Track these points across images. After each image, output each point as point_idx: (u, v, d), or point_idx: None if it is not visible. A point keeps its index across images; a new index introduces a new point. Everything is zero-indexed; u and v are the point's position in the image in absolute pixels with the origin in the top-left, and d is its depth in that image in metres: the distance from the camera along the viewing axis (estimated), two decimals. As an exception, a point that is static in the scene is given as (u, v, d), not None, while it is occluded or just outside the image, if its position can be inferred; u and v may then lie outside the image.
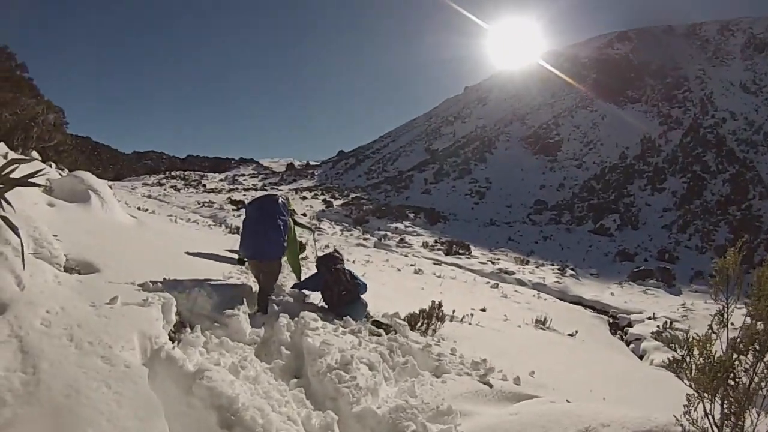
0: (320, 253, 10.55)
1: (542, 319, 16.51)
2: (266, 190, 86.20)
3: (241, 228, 9.48)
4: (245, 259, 9.79)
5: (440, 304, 10.03)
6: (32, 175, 5.21)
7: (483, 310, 16.48)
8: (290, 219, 9.41)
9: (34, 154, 16.72)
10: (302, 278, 10.15)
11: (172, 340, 5.74)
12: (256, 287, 9.02)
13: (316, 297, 9.74)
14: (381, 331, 8.37)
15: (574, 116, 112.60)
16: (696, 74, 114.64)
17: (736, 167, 77.68)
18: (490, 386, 6.67)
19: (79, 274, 6.63)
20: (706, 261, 50.10)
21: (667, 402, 9.86)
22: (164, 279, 7.38)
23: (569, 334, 16.18)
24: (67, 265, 6.70)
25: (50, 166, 14.52)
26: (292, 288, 9.80)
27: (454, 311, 11.87)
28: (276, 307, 8.58)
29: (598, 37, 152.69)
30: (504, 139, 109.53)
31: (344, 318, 8.47)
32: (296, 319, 7.62)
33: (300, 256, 10.62)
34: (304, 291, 9.79)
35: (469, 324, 11.95)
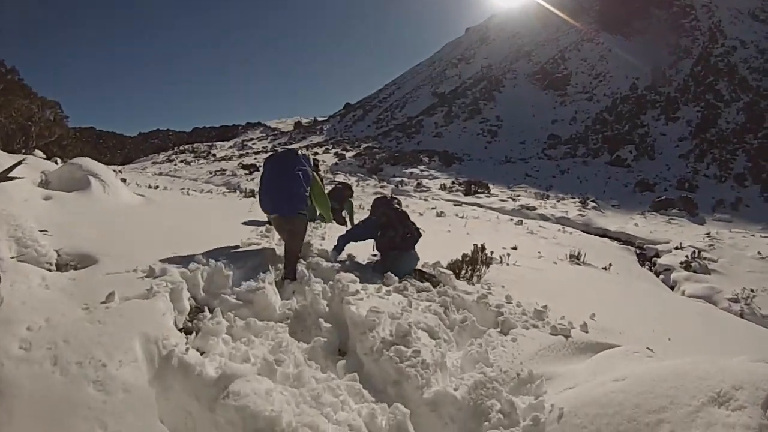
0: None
1: (576, 254, 16.28)
2: (277, 150, 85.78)
3: (258, 184, 8.76)
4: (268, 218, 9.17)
5: (483, 247, 9.46)
6: (9, 170, 4.93)
7: (514, 248, 16.11)
8: (314, 171, 8.75)
9: (38, 152, 16.56)
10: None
11: (188, 331, 5.14)
12: (281, 250, 8.43)
13: (355, 253, 9.19)
14: (428, 284, 7.63)
15: (580, 50, 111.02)
16: (702, 3, 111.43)
17: (750, 95, 76.31)
18: (566, 337, 6.00)
19: (75, 269, 5.89)
20: (727, 189, 49.78)
21: (729, 337, 9.78)
22: (172, 258, 6.65)
23: (603, 268, 16.00)
24: (60, 261, 6.03)
25: (56, 162, 14.13)
26: (340, 238, 9.03)
27: (491, 252, 11.47)
28: (306, 271, 7.69)
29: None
30: (511, 76, 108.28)
31: (385, 275, 7.76)
32: (332, 283, 6.85)
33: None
34: (348, 243, 9.03)
35: (507, 264, 11.68)
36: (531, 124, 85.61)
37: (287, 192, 7.96)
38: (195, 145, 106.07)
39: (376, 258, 9.10)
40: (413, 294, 7.12)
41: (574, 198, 42.71)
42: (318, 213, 10.13)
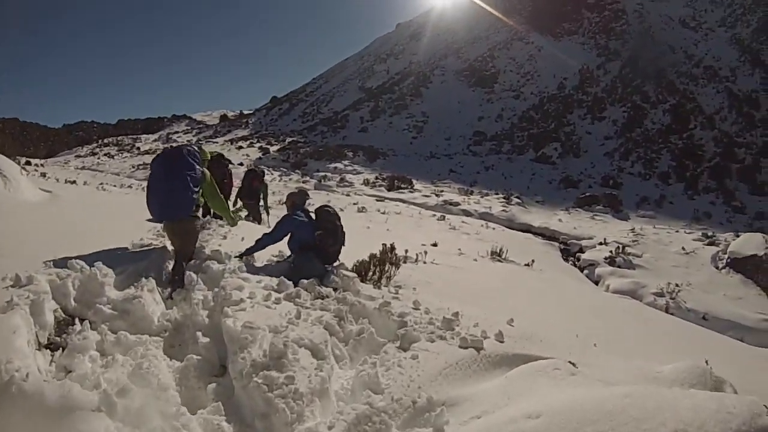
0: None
1: (498, 251, 16.24)
2: (201, 143, 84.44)
3: (146, 188, 7.99)
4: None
5: (393, 247, 9.15)
6: None
7: (434, 245, 16.41)
8: (205, 169, 8.21)
9: None
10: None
11: (54, 348, 4.70)
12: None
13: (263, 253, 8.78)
14: (329, 289, 7.15)
15: (509, 49, 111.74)
16: (634, 8, 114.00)
17: (676, 98, 78.36)
18: (477, 350, 5.28)
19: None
20: (650, 187, 51.17)
21: (658, 336, 9.19)
22: (48, 263, 6.11)
23: (526, 264, 15.97)
24: None
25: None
26: (264, 237, 8.57)
27: (406, 251, 11.11)
28: (194, 276, 6.99)
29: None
30: (439, 73, 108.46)
31: (280, 279, 7.16)
32: (216, 290, 6.17)
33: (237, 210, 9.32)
34: (273, 242, 8.62)
35: (424, 263, 11.26)
36: (457, 120, 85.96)
37: (173, 196, 7.53)
38: (119, 138, 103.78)
39: (279, 261, 8.80)
40: (306, 302, 6.54)
41: (498, 194, 42.83)
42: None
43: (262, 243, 8.49)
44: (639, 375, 5.08)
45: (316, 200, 30.66)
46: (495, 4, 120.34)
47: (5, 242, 6.80)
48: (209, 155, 9.02)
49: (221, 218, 10.94)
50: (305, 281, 7.24)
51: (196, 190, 7.75)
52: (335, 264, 8.55)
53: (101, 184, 27.89)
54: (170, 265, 7.52)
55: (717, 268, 20.29)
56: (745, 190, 51.69)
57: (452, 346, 5.41)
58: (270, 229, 8.85)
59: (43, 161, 47.95)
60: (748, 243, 20.94)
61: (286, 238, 8.63)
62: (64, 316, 5.24)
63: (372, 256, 8.82)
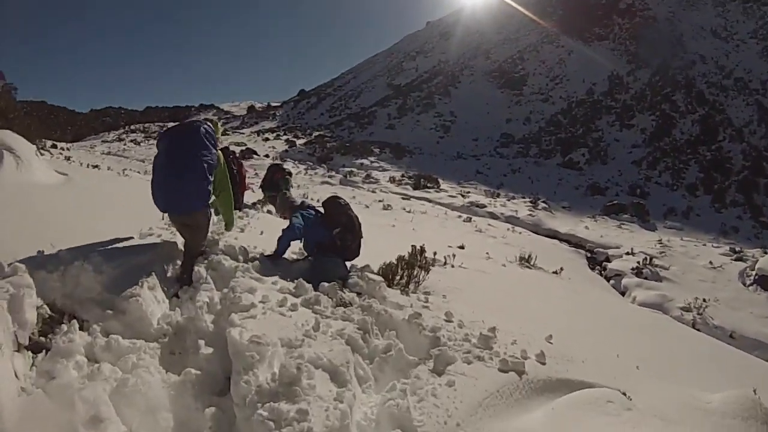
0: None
1: (526, 257, 15.77)
2: (228, 134, 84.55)
3: (152, 171, 6.88)
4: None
5: (422, 250, 8.61)
6: None
7: (461, 247, 16.02)
8: (219, 152, 7.10)
9: None
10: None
11: (36, 350, 4.18)
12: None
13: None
14: (352, 295, 6.44)
15: (539, 51, 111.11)
16: (666, 16, 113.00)
17: (705, 109, 77.38)
18: (519, 374, 4.72)
19: None
20: (678, 198, 50.80)
21: (700, 359, 9.04)
22: (39, 251, 5.52)
23: (554, 272, 15.52)
24: None
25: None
26: (284, 234, 7.62)
27: (435, 254, 10.51)
28: (203, 272, 6.41)
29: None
30: (468, 73, 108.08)
31: (298, 280, 6.34)
32: (224, 291, 5.59)
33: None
34: (295, 239, 7.78)
35: (452, 266, 10.76)
36: (485, 121, 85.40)
37: (184, 185, 6.40)
38: (146, 125, 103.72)
39: (299, 259, 8.09)
40: (327, 310, 5.76)
41: (524, 198, 42.42)
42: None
43: (283, 243, 7.63)
44: (690, 407, 4.75)
45: (341, 196, 30.95)
46: (526, 6, 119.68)
47: (2, 226, 6.29)
48: (221, 131, 7.47)
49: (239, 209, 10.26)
50: (326, 285, 6.51)
51: (211, 178, 6.65)
52: (358, 264, 7.94)
53: (125, 169, 27.66)
54: (179, 259, 6.79)
55: (744, 284, 19.81)
56: (773, 206, 50.63)
57: (491, 369, 4.84)
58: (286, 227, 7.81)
59: (69, 145, 48.00)
60: (776, 261, 20.55)
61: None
62: (50, 313, 4.76)
63: (400, 259, 8.15)
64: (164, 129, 7.28)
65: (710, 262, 21.82)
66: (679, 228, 37.52)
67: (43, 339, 4.33)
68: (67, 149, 38.56)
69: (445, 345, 5.17)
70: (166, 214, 7.19)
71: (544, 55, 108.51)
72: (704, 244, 28.05)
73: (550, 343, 5.86)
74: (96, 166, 24.98)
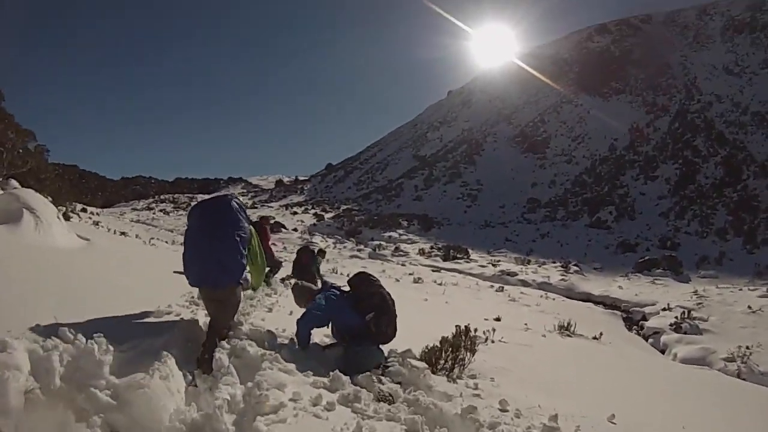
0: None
1: (565, 325, 15.43)
2: (257, 207, 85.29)
3: (183, 244, 6.61)
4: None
5: (468, 330, 7.79)
6: None
7: (498, 319, 15.50)
8: (250, 225, 6.82)
9: (12, 182, 15.81)
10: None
11: None
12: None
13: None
14: (395, 386, 5.75)
15: (559, 112, 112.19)
16: (678, 60, 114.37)
17: (727, 149, 77.09)
18: None
19: None
20: (709, 245, 50.07)
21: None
22: (38, 326, 4.96)
23: (594, 338, 15.30)
24: None
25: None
26: (304, 319, 6.83)
27: (475, 330, 9.95)
28: (226, 360, 5.48)
29: (578, 32, 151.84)
30: (491, 140, 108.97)
31: (334, 373, 5.63)
32: (249, 386, 4.70)
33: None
34: (317, 326, 6.99)
35: (493, 342, 10.29)
36: (511, 187, 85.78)
37: (219, 259, 6.18)
38: (176, 196, 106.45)
39: (329, 344, 7.29)
40: (368, 408, 4.96)
41: (555, 262, 42.38)
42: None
43: (303, 333, 6.78)
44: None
45: (370, 270, 30.96)
46: (543, 68, 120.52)
47: (3, 291, 5.82)
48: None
49: (268, 283, 10.07)
50: (362, 377, 5.87)
51: (245, 252, 6.48)
52: (398, 349, 7.18)
53: (152, 238, 28.25)
54: (200, 340, 6.14)
55: (785, 324, 19.30)
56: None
57: None
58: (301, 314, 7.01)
59: (99, 210, 48.67)
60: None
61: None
62: (42, 398, 3.77)
63: (444, 341, 7.26)
64: (196, 203, 7.08)
65: (749, 307, 21.57)
66: (714, 276, 36.87)
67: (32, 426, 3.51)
68: (97, 214, 39.03)
69: None
70: (195, 290, 7.11)
71: (565, 116, 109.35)
72: (740, 289, 27.88)
73: (614, 423, 5.59)
74: (124, 233, 25.28)
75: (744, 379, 13.83)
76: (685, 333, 18.88)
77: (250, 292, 10.04)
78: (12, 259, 7.46)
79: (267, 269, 8.05)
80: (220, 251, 6.16)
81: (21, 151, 17.64)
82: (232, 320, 6.85)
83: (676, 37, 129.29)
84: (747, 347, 16.20)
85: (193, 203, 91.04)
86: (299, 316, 6.91)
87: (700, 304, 23.19)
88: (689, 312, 21.08)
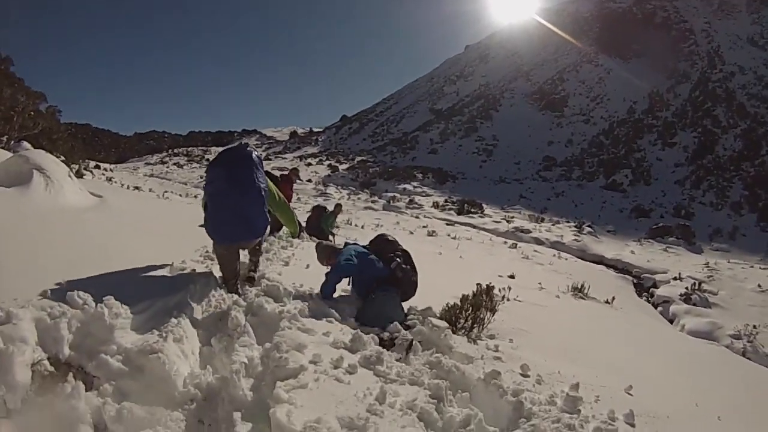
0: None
1: (579, 287, 15.35)
2: (270, 159, 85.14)
3: (205, 201, 6.61)
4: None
5: (489, 288, 7.64)
6: None
7: (512, 276, 15.53)
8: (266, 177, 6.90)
9: (24, 143, 15.88)
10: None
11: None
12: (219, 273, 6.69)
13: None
14: (416, 344, 5.48)
15: (578, 71, 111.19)
16: (702, 27, 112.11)
17: (747, 122, 76.46)
18: None
19: None
20: (723, 217, 49.77)
21: None
22: (46, 291, 4.69)
23: (606, 302, 15.21)
24: None
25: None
26: (332, 272, 6.87)
27: (492, 288, 9.92)
28: (241, 318, 5.27)
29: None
30: (509, 96, 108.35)
31: (354, 333, 5.40)
32: (267, 347, 4.54)
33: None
34: (345, 277, 6.96)
35: (508, 300, 10.03)
36: (527, 144, 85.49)
37: (248, 218, 6.36)
38: (189, 149, 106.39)
39: (346, 294, 7.19)
40: (391, 371, 4.71)
41: (569, 222, 42.27)
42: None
43: (332, 283, 6.82)
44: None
45: (385, 221, 30.79)
46: (563, 26, 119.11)
47: (11, 257, 5.59)
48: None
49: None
50: (387, 333, 5.81)
51: (267, 203, 6.60)
52: (418, 306, 7.04)
53: (165, 191, 28.50)
54: (215, 292, 6.13)
55: (794, 308, 19.10)
56: (821, 223, 49.43)
57: None
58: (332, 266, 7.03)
59: (112, 166, 48.62)
60: (828, 283, 20.11)
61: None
62: (51, 369, 3.67)
63: (465, 299, 7.03)
64: (214, 157, 6.80)
65: (759, 285, 21.41)
66: (726, 249, 36.93)
67: (40, 400, 3.35)
68: (110, 170, 39.00)
69: (531, 413, 4.22)
70: (209, 243, 7.03)
71: (584, 75, 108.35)
72: (752, 266, 27.78)
73: (630, 394, 5.38)
74: (137, 188, 25.23)
75: (749, 359, 13.55)
76: (694, 305, 18.74)
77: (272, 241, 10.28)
78: (21, 223, 7.33)
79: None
80: (246, 207, 6.30)
81: (33, 113, 17.70)
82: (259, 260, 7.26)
83: (700, 3, 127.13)
84: (754, 326, 16.16)
85: (207, 156, 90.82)
86: (329, 269, 6.95)
87: (710, 277, 23.09)
88: (700, 284, 20.93)
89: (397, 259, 7.09)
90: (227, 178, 6.28)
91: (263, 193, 6.43)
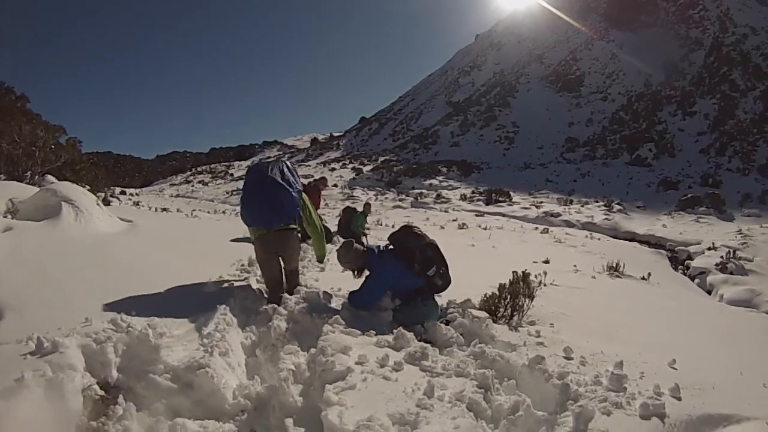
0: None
1: (614, 266, 15.24)
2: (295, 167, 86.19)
3: (242, 195, 7.09)
4: (252, 237, 7.06)
5: (526, 275, 7.63)
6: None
7: (546, 261, 15.40)
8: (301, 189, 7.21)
9: (49, 177, 16.28)
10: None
11: None
12: (262, 287, 7.09)
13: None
14: (457, 335, 5.69)
15: (591, 49, 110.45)
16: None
17: (765, 83, 75.64)
18: (662, 419, 3.90)
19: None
20: (751, 182, 49.11)
21: None
22: (88, 318, 4.72)
23: (642, 278, 15.11)
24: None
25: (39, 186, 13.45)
26: (364, 298, 6.69)
27: (528, 275, 10.01)
28: (283, 326, 5.63)
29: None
30: (524, 81, 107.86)
31: (395, 331, 5.44)
32: (312, 352, 4.77)
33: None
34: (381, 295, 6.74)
35: (545, 285, 10.00)
36: (547, 127, 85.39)
37: (275, 205, 6.64)
38: (212, 166, 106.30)
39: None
40: (437, 365, 4.79)
41: (598, 201, 42.18)
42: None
43: (368, 307, 6.59)
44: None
45: (414, 218, 31.31)
46: (570, 5, 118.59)
47: (46, 287, 5.62)
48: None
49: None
50: (429, 324, 5.98)
51: (299, 200, 6.91)
52: (457, 299, 7.13)
53: (193, 210, 28.57)
54: (257, 304, 6.40)
55: (833, 266, 18.91)
56: None
57: (633, 418, 3.93)
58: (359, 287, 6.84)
59: (138, 190, 49.34)
60: None
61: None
62: (101, 393, 3.85)
63: (502, 288, 7.14)
64: (248, 167, 7.58)
65: (802, 249, 20.82)
66: (757, 214, 36.09)
67: (93, 424, 3.57)
68: (137, 194, 39.68)
69: (578, 394, 4.23)
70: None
71: (597, 52, 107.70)
72: (785, 228, 27.27)
73: (674, 368, 5.25)
74: (165, 209, 25.66)
75: (788, 324, 13.69)
76: (731, 273, 18.47)
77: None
78: (55, 254, 7.30)
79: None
80: (274, 196, 6.66)
81: (53, 146, 18.11)
82: (298, 266, 7.39)
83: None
84: (794, 289, 15.70)
85: (231, 171, 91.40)
86: (357, 291, 6.80)
87: (744, 243, 22.95)
88: (734, 252, 20.83)
89: (428, 264, 6.77)
90: (258, 174, 6.94)
91: (292, 189, 6.84)
